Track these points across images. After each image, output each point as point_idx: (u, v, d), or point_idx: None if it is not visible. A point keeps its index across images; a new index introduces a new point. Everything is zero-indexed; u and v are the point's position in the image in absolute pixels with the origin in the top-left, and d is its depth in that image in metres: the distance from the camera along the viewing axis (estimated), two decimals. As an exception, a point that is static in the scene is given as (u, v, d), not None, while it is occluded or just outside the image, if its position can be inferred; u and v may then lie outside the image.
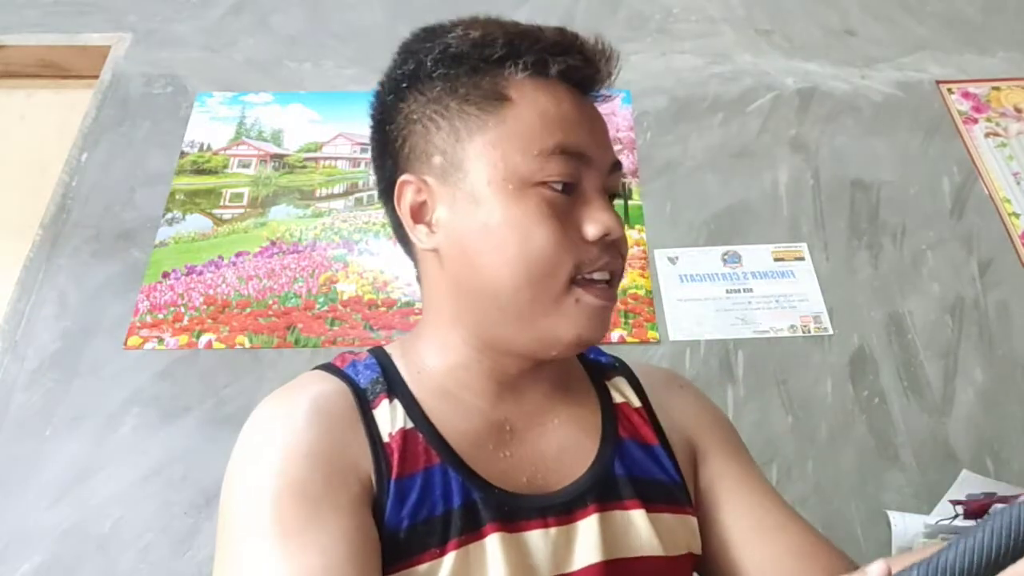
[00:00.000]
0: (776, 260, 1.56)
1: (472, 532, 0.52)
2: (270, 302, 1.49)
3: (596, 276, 0.56)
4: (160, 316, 1.47)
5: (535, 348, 0.57)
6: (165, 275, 1.52)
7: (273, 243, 1.58)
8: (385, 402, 0.57)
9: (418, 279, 0.65)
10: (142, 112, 1.74)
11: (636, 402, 0.67)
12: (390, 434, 0.55)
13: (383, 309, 1.49)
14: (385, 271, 1.54)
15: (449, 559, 0.51)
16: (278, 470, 0.51)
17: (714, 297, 1.51)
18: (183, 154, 1.69)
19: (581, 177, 0.57)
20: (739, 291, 1.52)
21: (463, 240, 0.56)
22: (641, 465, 0.61)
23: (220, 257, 1.55)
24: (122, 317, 1.46)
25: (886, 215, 1.61)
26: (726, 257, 1.56)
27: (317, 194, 1.66)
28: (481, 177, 0.55)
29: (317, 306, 1.49)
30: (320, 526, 0.49)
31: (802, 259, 1.56)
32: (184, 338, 1.44)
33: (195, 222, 1.60)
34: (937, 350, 1.45)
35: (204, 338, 1.44)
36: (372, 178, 1.67)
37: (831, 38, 1.91)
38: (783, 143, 1.72)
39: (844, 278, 1.53)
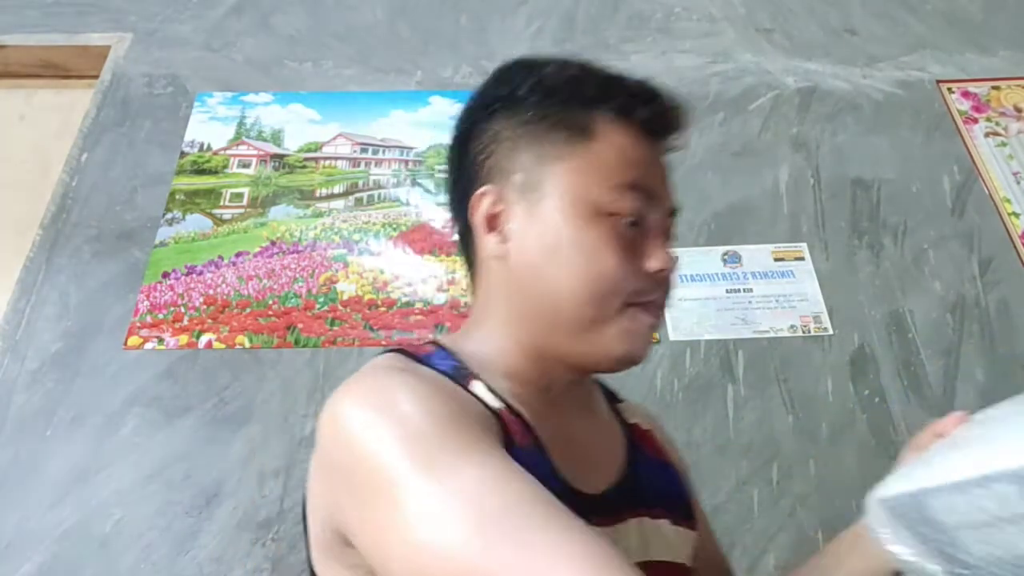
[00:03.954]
0: (776, 260, 1.56)
1: None
2: (270, 302, 1.49)
3: (650, 304, 0.61)
4: (160, 316, 1.47)
5: (585, 361, 0.62)
6: (165, 275, 1.52)
7: (273, 243, 1.58)
8: (477, 383, 0.58)
9: (472, 284, 0.69)
10: (142, 112, 1.75)
11: (645, 425, 0.75)
12: (497, 408, 0.56)
13: (383, 309, 1.49)
14: (385, 271, 1.54)
15: None
16: (425, 411, 0.49)
17: (714, 297, 1.51)
18: (183, 154, 1.69)
19: (647, 215, 0.62)
20: (739, 291, 1.52)
21: (533, 252, 0.61)
22: (662, 480, 0.69)
23: (220, 257, 1.55)
24: (122, 317, 1.46)
25: (887, 214, 1.61)
26: (726, 257, 1.56)
27: (317, 194, 1.66)
28: (558, 199, 0.60)
29: (317, 306, 1.49)
30: (489, 446, 0.49)
31: (802, 259, 1.56)
32: (184, 338, 1.44)
33: (195, 222, 1.60)
34: (938, 349, 1.45)
35: (204, 338, 1.44)
36: (372, 178, 1.69)
37: (832, 37, 1.91)
38: (784, 142, 1.72)
39: (844, 277, 1.53)
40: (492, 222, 0.63)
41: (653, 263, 0.61)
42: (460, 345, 0.64)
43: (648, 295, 0.61)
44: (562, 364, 0.63)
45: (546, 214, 0.60)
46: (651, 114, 0.64)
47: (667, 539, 0.63)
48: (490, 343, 0.64)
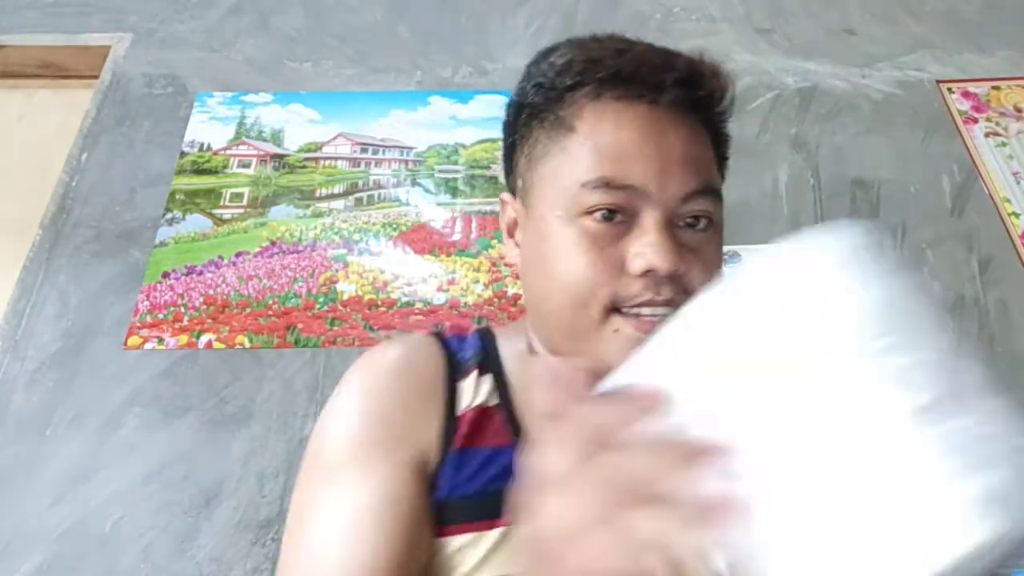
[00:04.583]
0: (776, 259, 1.55)
1: None
2: (270, 302, 1.49)
3: (644, 312, 0.53)
4: (160, 316, 1.47)
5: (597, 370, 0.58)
6: (165, 275, 1.52)
7: (273, 243, 1.58)
8: (473, 375, 0.60)
9: None
10: (142, 112, 1.75)
11: None
12: (466, 408, 0.58)
13: (383, 309, 1.49)
14: (385, 271, 1.54)
15: (493, 535, 0.52)
16: (341, 425, 0.57)
17: (714, 296, 1.51)
18: (183, 154, 1.69)
19: (638, 208, 0.54)
20: (739, 290, 1.51)
21: (528, 262, 0.61)
22: None
23: (220, 257, 1.55)
24: (122, 317, 1.46)
25: (886, 214, 1.61)
26: (726, 257, 1.56)
27: (317, 194, 1.66)
28: (539, 205, 0.59)
29: (317, 306, 1.49)
30: (360, 483, 0.53)
31: (802, 258, 1.56)
32: (184, 338, 1.44)
33: (195, 222, 1.60)
34: (937, 349, 1.45)
35: (204, 338, 1.44)
36: (372, 178, 1.69)
37: (831, 37, 1.91)
38: (783, 142, 1.72)
39: (844, 277, 1.53)
40: (512, 230, 0.64)
41: (637, 263, 0.53)
42: (510, 332, 0.66)
43: (634, 300, 0.53)
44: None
45: (535, 222, 0.58)
46: (635, 90, 0.56)
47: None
48: (528, 341, 0.65)
